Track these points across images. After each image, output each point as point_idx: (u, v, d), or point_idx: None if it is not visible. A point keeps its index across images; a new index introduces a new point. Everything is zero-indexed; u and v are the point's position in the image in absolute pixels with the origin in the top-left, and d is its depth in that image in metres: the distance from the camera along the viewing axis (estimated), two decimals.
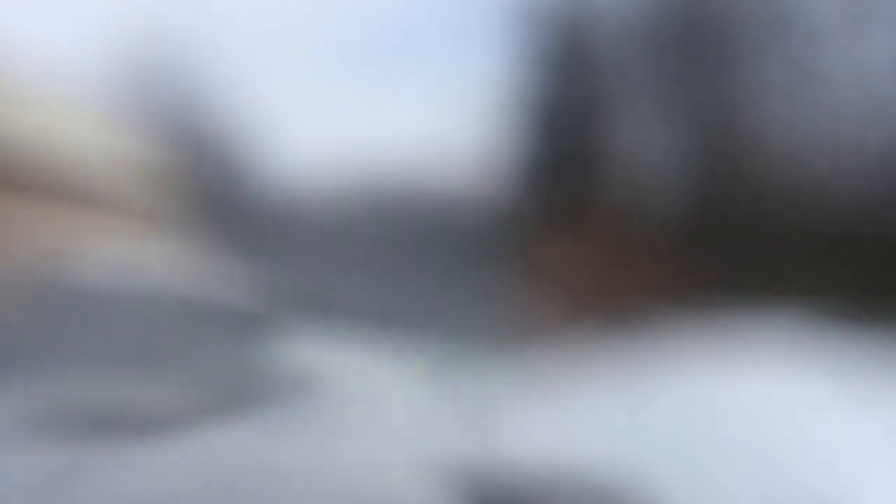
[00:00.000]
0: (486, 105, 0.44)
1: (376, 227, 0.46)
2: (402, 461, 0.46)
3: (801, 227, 0.45)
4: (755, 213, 0.45)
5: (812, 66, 0.45)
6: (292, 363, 0.44)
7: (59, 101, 0.46)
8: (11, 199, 0.44)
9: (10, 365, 0.42)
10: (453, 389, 0.43)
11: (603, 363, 0.43)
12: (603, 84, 0.46)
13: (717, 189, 0.46)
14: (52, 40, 0.45)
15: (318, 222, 0.47)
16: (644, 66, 0.45)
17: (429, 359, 0.44)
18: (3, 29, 0.45)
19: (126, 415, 0.42)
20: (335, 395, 0.43)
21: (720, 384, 0.47)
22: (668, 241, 0.46)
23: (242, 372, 0.45)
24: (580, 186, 0.47)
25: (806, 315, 0.45)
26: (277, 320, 0.44)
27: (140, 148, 0.47)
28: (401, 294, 0.44)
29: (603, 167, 0.46)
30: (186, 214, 0.46)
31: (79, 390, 0.43)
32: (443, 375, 0.44)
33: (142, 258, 0.43)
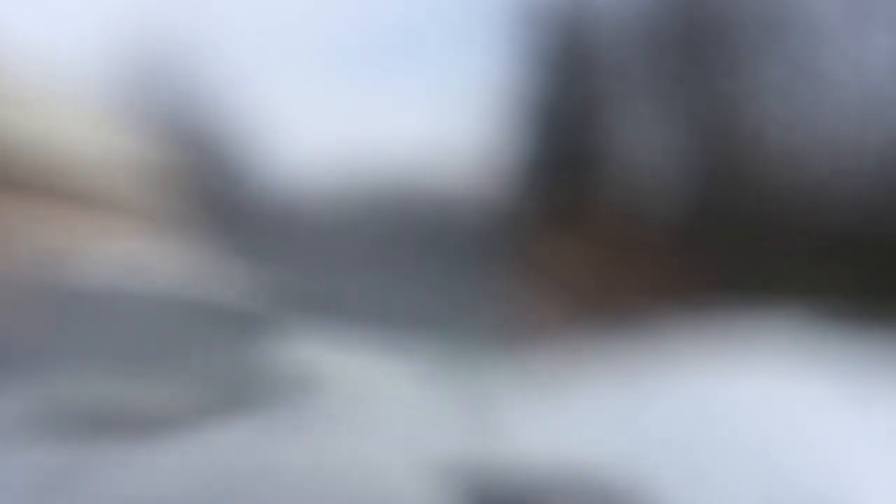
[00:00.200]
0: (486, 105, 0.45)
1: (376, 227, 0.46)
2: (402, 461, 0.46)
3: (801, 227, 0.46)
4: (755, 213, 0.45)
5: (812, 66, 0.45)
6: (292, 363, 0.45)
7: (59, 101, 0.46)
8: (11, 199, 0.44)
9: (10, 365, 0.42)
10: (453, 389, 0.43)
11: (603, 363, 0.43)
12: (603, 84, 0.46)
13: (717, 189, 0.46)
14: (52, 40, 0.45)
15: (318, 222, 0.48)
16: (644, 66, 0.45)
17: (429, 359, 0.45)
18: (3, 29, 0.45)
19: (126, 415, 0.42)
20: (335, 395, 0.43)
21: (720, 384, 0.47)
22: (668, 241, 0.46)
23: (242, 372, 0.45)
24: (580, 186, 0.47)
25: (806, 315, 0.45)
26: (277, 320, 0.44)
27: (140, 148, 0.47)
28: (401, 294, 0.45)
29: (603, 167, 0.46)
30: (186, 214, 0.46)
31: (79, 390, 0.43)
32: (443, 375, 0.44)
33: (142, 258, 0.43)
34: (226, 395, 0.50)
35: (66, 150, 0.53)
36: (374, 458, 0.46)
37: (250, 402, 0.49)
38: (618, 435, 0.46)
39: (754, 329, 0.49)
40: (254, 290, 0.49)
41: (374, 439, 0.46)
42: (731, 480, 0.46)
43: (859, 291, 0.51)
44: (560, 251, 0.52)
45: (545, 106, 0.55)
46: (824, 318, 0.50)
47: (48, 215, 0.51)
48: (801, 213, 0.51)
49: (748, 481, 0.46)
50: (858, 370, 0.49)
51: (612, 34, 0.53)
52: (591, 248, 0.52)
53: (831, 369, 0.48)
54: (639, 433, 0.46)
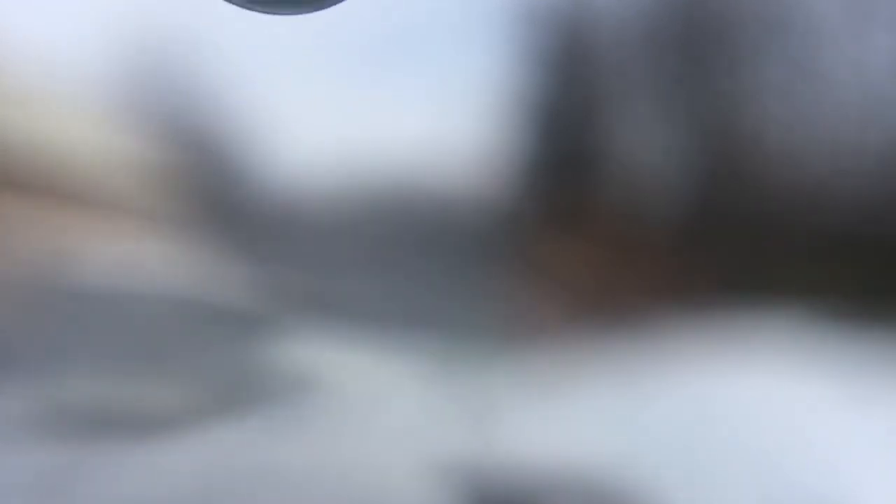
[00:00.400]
0: (486, 105, 0.44)
1: (376, 227, 0.46)
2: (402, 461, 0.46)
3: (801, 227, 0.45)
4: (755, 213, 0.45)
5: (812, 66, 0.45)
6: (292, 363, 0.44)
7: (59, 101, 0.46)
8: (11, 199, 0.44)
9: (10, 365, 0.42)
10: (453, 389, 0.43)
11: (603, 363, 0.43)
12: (603, 84, 0.46)
13: (717, 189, 0.46)
14: (52, 40, 0.45)
15: (318, 222, 0.47)
16: (644, 66, 0.45)
17: (429, 359, 0.44)
18: (3, 29, 0.45)
19: (126, 415, 0.42)
20: (335, 395, 0.43)
21: (720, 384, 0.47)
22: (668, 241, 0.46)
23: (242, 372, 0.45)
24: (580, 186, 0.46)
25: (806, 315, 0.45)
26: (277, 320, 0.44)
27: (140, 148, 0.47)
28: (401, 294, 0.44)
29: (603, 167, 0.46)
30: (186, 214, 0.46)
31: (79, 390, 0.43)
32: (443, 375, 0.44)
33: (142, 258, 0.43)
34: (226, 395, 0.50)
35: (66, 150, 0.53)
36: (374, 458, 0.46)
37: (250, 402, 0.49)
38: (618, 435, 0.46)
39: (754, 329, 0.49)
40: (254, 290, 0.49)
41: (374, 439, 0.46)
42: (731, 480, 0.47)
43: (859, 291, 0.51)
44: (560, 251, 0.51)
45: (545, 106, 0.54)
46: (824, 318, 0.49)
47: (48, 215, 0.51)
48: (801, 213, 0.51)
49: (748, 481, 0.46)
50: (858, 370, 0.49)
51: (612, 34, 0.52)
52: (591, 248, 0.52)
53: (831, 369, 0.48)
54: (639, 433, 0.46)
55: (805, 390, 0.44)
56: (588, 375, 0.46)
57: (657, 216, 0.46)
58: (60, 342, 0.45)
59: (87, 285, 0.46)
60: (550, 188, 0.47)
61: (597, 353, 0.46)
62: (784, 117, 0.45)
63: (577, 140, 0.47)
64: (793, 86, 0.45)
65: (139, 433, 0.44)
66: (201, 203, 0.46)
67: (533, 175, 0.47)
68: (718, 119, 0.47)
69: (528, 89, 0.46)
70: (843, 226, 0.46)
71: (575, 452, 0.43)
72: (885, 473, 0.41)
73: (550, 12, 0.46)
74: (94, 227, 0.48)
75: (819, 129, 0.46)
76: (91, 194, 0.47)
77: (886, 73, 0.45)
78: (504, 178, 0.46)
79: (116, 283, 0.46)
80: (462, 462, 0.42)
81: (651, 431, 0.44)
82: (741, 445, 0.43)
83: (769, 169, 0.46)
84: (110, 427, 0.44)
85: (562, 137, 0.47)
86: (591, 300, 0.48)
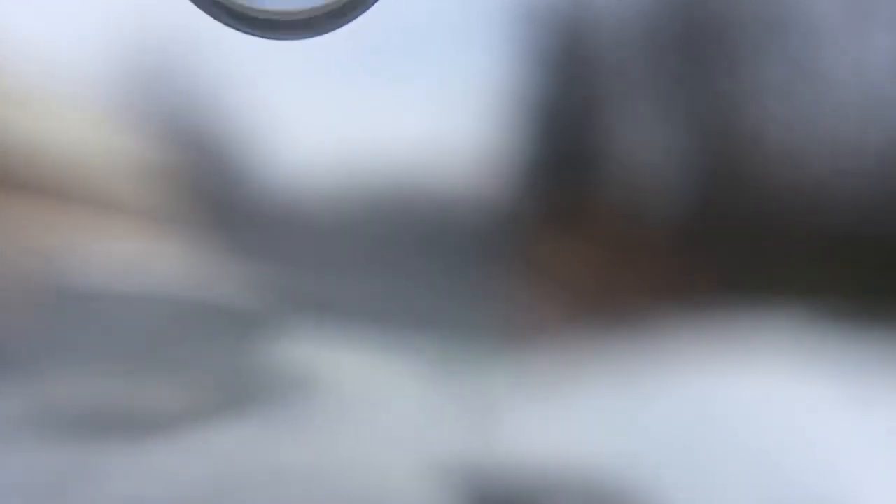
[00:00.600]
0: (486, 105, 0.44)
1: (376, 227, 0.46)
2: (402, 461, 0.46)
3: (801, 227, 0.45)
4: (755, 213, 0.45)
5: (812, 66, 0.45)
6: (292, 363, 0.44)
7: (59, 101, 0.46)
8: (11, 199, 0.44)
9: (10, 365, 0.42)
10: (453, 389, 0.43)
11: (603, 363, 0.43)
12: (603, 84, 0.45)
13: (717, 189, 0.46)
14: (52, 40, 0.45)
15: (318, 222, 0.47)
16: (644, 66, 0.45)
17: (429, 359, 0.44)
18: (3, 29, 0.44)
19: (126, 415, 0.42)
20: (335, 395, 0.43)
21: (720, 384, 0.47)
22: (668, 241, 0.46)
23: (242, 372, 0.45)
24: (580, 186, 0.46)
25: (806, 315, 0.45)
26: (277, 320, 0.44)
27: (140, 148, 0.46)
28: (401, 294, 0.44)
29: (603, 167, 0.46)
30: (186, 214, 0.45)
31: (79, 390, 0.43)
32: (443, 375, 0.44)
33: (142, 258, 0.43)
34: (226, 395, 0.50)
35: (66, 150, 0.52)
36: (374, 458, 0.46)
37: (250, 402, 0.49)
38: (618, 435, 0.46)
39: (754, 329, 0.49)
40: (254, 290, 0.49)
41: (374, 439, 0.46)
42: (731, 480, 0.46)
43: (859, 291, 0.50)
44: (560, 251, 0.51)
45: (545, 106, 0.54)
46: (824, 318, 0.49)
47: (48, 215, 0.51)
48: (801, 213, 0.51)
49: (748, 481, 0.46)
50: (858, 370, 0.49)
51: (612, 34, 0.52)
52: (591, 248, 0.52)
53: (831, 369, 0.48)
54: (639, 433, 0.46)
55: (805, 390, 0.44)
56: (588, 375, 0.46)
57: (657, 216, 0.46)
58: (60, 342, 0.45)
59: (87, 285, 0.46)
60: (550, 188, 0.47)
61: (597, 353, 0.46)
62: (784, 117, 0.45)
63: (577, 140, 0.47)
64: (793, 86, 0.45)
65: (139, 433, 0.44)
66: (201, 203, 0.46)
67: (533, 175, 0.47)
68: (718, 119, 0.47)
69: (528, 89, 0.46)
70: (843, 226, 0.46)
71: (575, 452, 0.43)
72: (885, 473, 0.41)
73: (550, 12, 0.46)
74: (94, 227, 0.47)
75: (819, 129, 0.45)
76: (91, 194, 0.47)
77: (886, 73, 0.44)
78: (504, 178, 0.46)
79: (116, 283, 0.46)
80: (462, 462, 0.42)
81: (651, 431, 0.44)
82: (741, 445, 0.43)
83: (769, 169, 0.46)
84: (110, 427, 0.44)
85: (562, 137, 0.47)
86: (591, 300, 0.48)
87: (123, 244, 0.49)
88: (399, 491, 0.44)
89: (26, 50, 0.47)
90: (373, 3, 0.14)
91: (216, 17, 0.14)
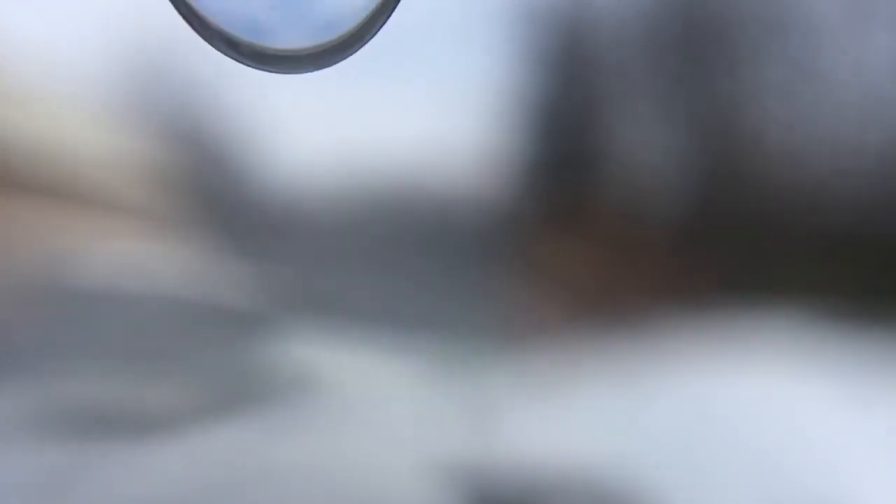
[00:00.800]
0: (486, 105, 0.44)
1: (376, 227, 0.46)
2: (402, 461, 0.46)
3: (801, 227, 0.45)
4: (755, 213, 0.45)
5: (812, 66, 0.45)
6: (292, 363, 0.44)
7: (59, 101, 0.46)
8: (11, 199, 0.44)
9: (10, 365, 0.42)
10: (453, 389, 0.43)
11: (603, 363, 0.43)
12: (603, 84, 0.45)
13: (717, 189, 0.46)
14: (52, 40, 0.45)
15: (318, 222, 0.47)
16: (644, 66, 0.45)
17: (429, 359, 0.44)
18: (3, 29, 0.44)
19: (126, 415, 0.42)
20: (335, 395, 0.43)
21: (720, 384, 0.47)
22: (668, 241, 0.46)
23: (242, 372, 0.45)
24: (580, 186, 0.46)
25: (806, 315, 0.45)
26: (277, 320, 0.44)
27: (140, 148, 0.46)
28: (401, 294, 0.44)
29: (603, 167, 0.46)
30: (186, 214, 0.45)
31: (79, 390, 0.43)
32: (443, 375, 0.44)
33: (142, 258, 0.43)
34: (225, 395, 0.50)
35: (66, 150, 0.52)
36: (374, 458, 0.46)
37: (250, 402, 0.49)
38: (618, 435, 0.46)
39: (754, 329, 0.49)
40: (254, 290, 0.49)
41: (374, 439, 0.46)
42: (731, 480, 0.46)
43: (859, 291, 0.50)
44: (560, 251, 0.51)
45: (545, 106, 0.54)
46: (824, 318, 0.49)
47: (48, 215, 0.51)
48: (801, 213, 0.51)
49: (748, 481, 0.46)
50: (858, 370, 0.49)
51: (612, 34, 0.52)
52: (591, 248, 0.52)
53: (831, 369, 0.48)
54: (639, 433, 0.46)
55: (805, 390, 0.44)
56: (588, 375, 0.46)
57: (657, 216, 0.46)
58: (60, 342, 0.45)
59: (87, 285, 0.46)
60: (550, 188, 0.47)
61: (597, 353, 0.46)
62: (784, 117, 0.45)
63: (577, 140, 0.47)
64: (793, 86, 0.44)
65: (139, 433, 0.44)
66: (201, 203, 0.46)
67: (533, 175, 0.47)
68: (718, 119, 0.47)
69: (528, 89, 0.46)
70: (843, 226, 0.46)
71: (575, 452, 0.43)
72: (885, 473, 0.41)
73: (550, 12, 0.46)
74: (94, 227, 0.47)
75: (819, 129, 0.45)
76: (91, 194, 0.47)
77: (886, 73, 0.44)
78: (504, 178, 0.46)
79: (116, 283, 0.46)
80: (462, 462, 0.42)
81: (651, 431, 0.44)
82: (741, 445, 0.43)
83: (769, 169, 0.46)
84: (110, 427, 0.44)
85: (562, 137, 0.47)
86: (591, 300, 0.48)
87: (123, 244, 0.49)
88: (399, 491, 0.44)
89: (26, 50, 0.47)
90: (377, 33, 0.15)
91: (218, 49, 0.14)
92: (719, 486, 0.45)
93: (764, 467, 0.45)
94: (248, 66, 0.14)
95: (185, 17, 0.13)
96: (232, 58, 0.14)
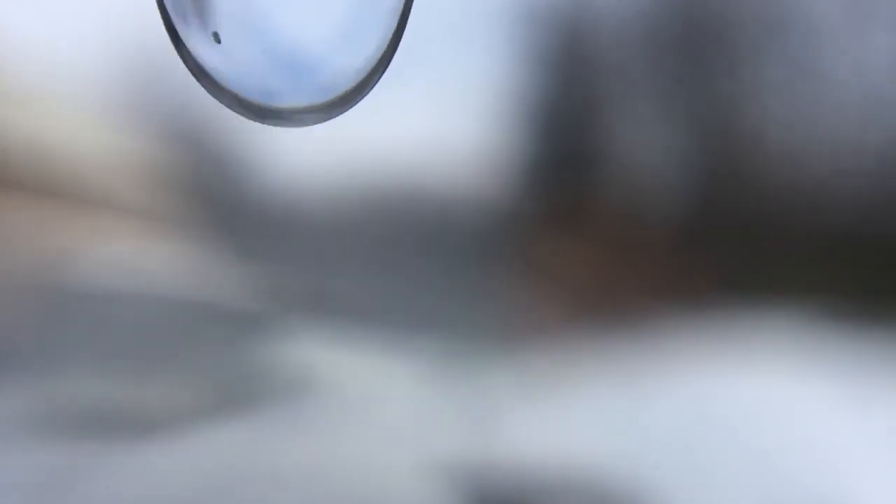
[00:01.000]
0: (486, 105, 0.44)
1: (376, 227, 0.45)
2: (402, 461, 0.46)
3: (801, 227, 0.45)
4: (755, 213, 0.45)
5: (812, 66, 0.45)
6: (292, 363, 0.44)
7: (59, 101, 0.46)
8: (11, 199, 0.44)
9: (10, 365, 0.42)
10: (453, 389, 0.43)
11: (603, 363, 0.43)
12: (603, 84, 0.45)
13: (717, 189, 0.46)
14: (52, 40, 0.45)
15: (318, 222, 0.47)
16: (644, 66, 0.45)
17: (429, 359, 0.44)
18: (3, 29, 0.44)
19: (126, 415, 0.42)
20: (335, 395, 0.43)
21: (720, 384, 0.47)
22: (668, 241, 0.46)
23: (242, 372, 0.45)
24: (580, 186, 0.46)
25: (806, 315, 0.45)
26: (277, 320, 0.44)
27: (140, 148, 0.46)
28: (401, 294, 0.44)
29: (603, 167, 0.46)
30: (186, 214, 0.45)
31: (79, 390, 0.43)
32: (443, 375, 0.44)
33: (142, 258, 0.43)
34: (225, 395, 0.50)
35: (66, 150, 0.52)
36: (374, 458, 0.46)
37: (249, 402, 0.49)
38: (618, 435, 0.46)
39: (754, 329, 0.48)
40: (254, 290, 0.48)
41: (374, 439, 0.46)
42: (731, 480, 0.46)
43: (859, 291, 0.50)
44: (560, 251, 0.51)
45: (545, 106, 0.54)
46: (824, 318, 0.49)
47: (48, 215, 0.51)
48: (801, 213, 0.50)
49: (748, 481, 0.46)
50: (858, 370, 0.49)
51: (612, 34, 0.52)
52: (591, 248, 0.51)
53: (831, 369, 0.48)
54: (639, 433, 0.46)
55: (805, 390, 0.44)
56: (588, 375, 0.46)
57: (657, 216, 0.46)
58: (60, 342, 0.45)
59: (87, 285, 0.46)
60: (550, 188, 0.47)
61: (597, 353, 0.46)
62: (784, 117, 0.45)
63: (577, 140, 0.47)
64: (793, 86, 0.45)
65: (139, 433, 0.44)
66: (201, 203, 0.46)
67: (533, 175, 0.47)
68: (718, 119, 0.47)
69: (528, 89, 0.46)
70: (843, 226, 0.46)
71: (575, 452, 0.43)
72: (885, 473, 0.41)
73: (550, 12, 0.46)
74: (94, 227, 0.48)
75: (819, 129, 0.45)
76: (91, 194, 0.47)
77: (886, 73, 0.44)
78: (504, 178, 0.46)
79: (116, 283, 0.46)
80: (462, 462, 0.42)
81: (651, 431, 0.44)
82: (741, 445, 0.43)
83: (769, 169, 0.46)
84: (110, 427, 0.44)
85: (562, 137, 0.47)
86: (591, 300, 0.48)
87: (123, 244, 0.49)
88: (399, 491, 0.44)
89: (26, 50, 0.47)
90: (375, 85, 0.16)
91: (225, 104, 0.15)
92: (719, 486, 0.45)
93: (764, 467, 0.45)
94: (255, 121, 0.14)
95: (193, 73, 0.14)
96: (239, 113, 0.14)
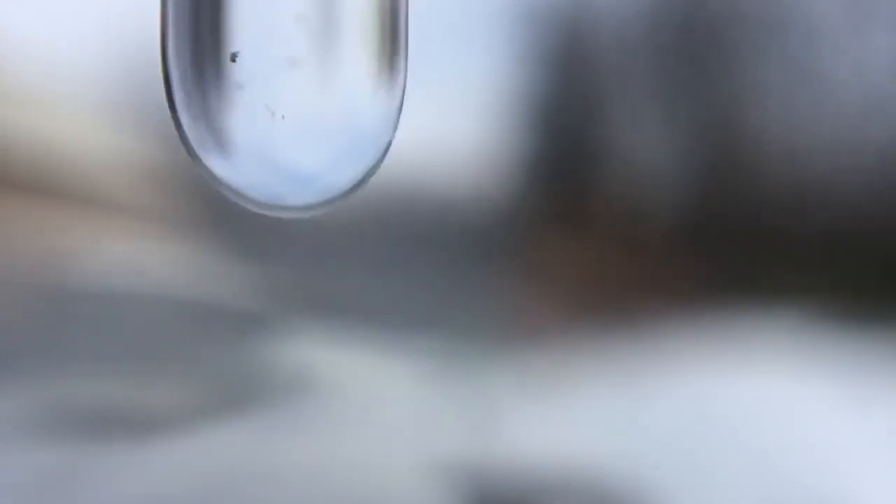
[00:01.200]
0: (486, 105, 0.44)
1: (376, 227, 0.45)
2: (402, 461, 0.46)
3: (801, 227, 0.45)
4: (755, 213, 0.45)
5: (812, 66, 0.45)
6: (292, 363, 0.44)
7: (59, 101, 0.46)
8: (12, 199, 0.44)
9: (10, 365, 0.42)
10: (453, 389, 0.43)
11: (603, 363, 0.43)
12: (603, 84, 0.45)
13: (718, 189, 0.46)
14: (52, 40, 0.44)
15: (318, 222, 0.47)
16: (644, 66, 0.45)
17: (428, 359, 0.44)
18: (3, 29, 0.44)
19: (126, 415, 0.42)
20: (335, 395, 0.43)
21: (720, 384, 0.47)
22: (668, 241, 0.46)
23: (242, 372, 0.45)
24: (580, 186, 0.46)
25: (806, 315, 0.45)
26: (277, 320, 0.44)
27: (140, 148, 0.46)
28: (401, 294, 0.44)
29: (603, 167, 0.46)
30: (186, 214, 0.45)
31: (79, 390, 0.43)
32: (443, 375, 0.44)
33: (142, 258, 0.43)
34: (225, 395, 0.49)
35: (66, 150, 0.52)
36: (374, 458, 0.46)
37: (250, 402, 0.49)
38: (618, 435, 0.46)
39: (754, 329, 0.48)
40: (254, 290, 0.48)
41: (374, 439, 0.46)
42: (731, 480, 0.46)
43: (859, 291, 0.50)
44: (560, 251, 0.51)
45: (545, 106, 0.54)
46: (824, 318, 0.49)
47: (48, 215, 0.50)
48: (801, 212, 0.50)
49: (748, 481, 0.46)
50: (858, 370, 0.48)
51: (612, 34, 0.52)
52: (591, 247, 0.51)
53: (831, 369, 0.48)
54: (639, 433, 0.46)
55: (805, 390, 0.44)
56: (588, 375, 0.46)
57: (657, 216, 0.46)
58: (60, 342, 0.45)
59: (87, 285, 0.46)
60: (550, 188, 0.47)
61: (597, 353, 0.46)
62: (784, 117, 0.45)
63: (577, 140, 0.47)
64: (793, 85, 0.45)
65: (139, 433, 0.44)
66: (201, 203, 0.46)
67: (533, 175, 0.47)
68: (718, 119, 0.47)
69: (528, 89, 0.46)
70: (843, 226, 0.46)
71: (575, 452, 0.43)
72: (885, 473, 0.41)
73: (550, 12, 0.46)
74: (94, 227, 0.48)
75: (819, 129, 0.46)
76: (91, 194, 0.47)
77: (886, 73, 0.44)
78: (504, 178, 0.46)
79: (116, 283, 0.46)
80: (462, 462, 0.42)
81: (651, 431, 0.44)
82: (741, 445, 0.43)
83: (769, 168, 0.46)
84: (110, 427, 0.44)
85: (562, 137, 0.47)
86: (591, 300, 0.48)
87: (123, 244, 0.49)
88: (399, 491, 0.44)
89: (26, 50, 0.47)
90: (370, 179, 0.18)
91: (226, 195, 0.17)
92: (719, 486, 0.45)
93: (764, 467, 0.45)
94: (256, 211, 0.16)
95: (196, 167, 0.15)
96: (239, 203, 0.16)
